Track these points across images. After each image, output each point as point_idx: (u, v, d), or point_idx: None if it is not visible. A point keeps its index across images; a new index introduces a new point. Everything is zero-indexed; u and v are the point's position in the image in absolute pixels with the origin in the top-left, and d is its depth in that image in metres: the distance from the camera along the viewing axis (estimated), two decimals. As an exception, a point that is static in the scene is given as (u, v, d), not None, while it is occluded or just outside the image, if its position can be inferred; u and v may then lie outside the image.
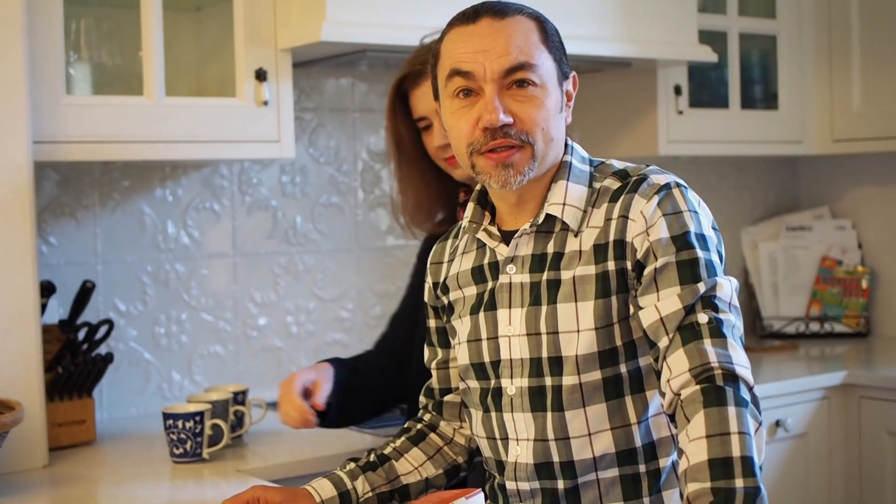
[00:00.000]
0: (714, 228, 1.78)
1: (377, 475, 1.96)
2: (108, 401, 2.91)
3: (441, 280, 2.00)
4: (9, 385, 2.36)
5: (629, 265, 1.75)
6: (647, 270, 1.72)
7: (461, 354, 1.92)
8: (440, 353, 2.03)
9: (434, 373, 2.04)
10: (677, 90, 3.45)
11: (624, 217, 1.76)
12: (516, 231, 1.85)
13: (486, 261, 1.90)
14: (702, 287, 1.68)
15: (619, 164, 1.86)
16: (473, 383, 1.90)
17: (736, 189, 4.10)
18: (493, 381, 1.85)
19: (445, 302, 1.98)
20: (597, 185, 1.82)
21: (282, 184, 3.18)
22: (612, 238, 1.76)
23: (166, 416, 2.39)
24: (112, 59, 2.74)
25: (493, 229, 1.89)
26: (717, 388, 1.60)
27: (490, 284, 1.88)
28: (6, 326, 2.36)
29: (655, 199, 1.75)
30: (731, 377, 1.61)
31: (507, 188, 1.80)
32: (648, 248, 1.73)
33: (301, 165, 3.21)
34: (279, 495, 1.87)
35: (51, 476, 2.36)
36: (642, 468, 1.78)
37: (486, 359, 1.86)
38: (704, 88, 3.66)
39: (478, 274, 1.91)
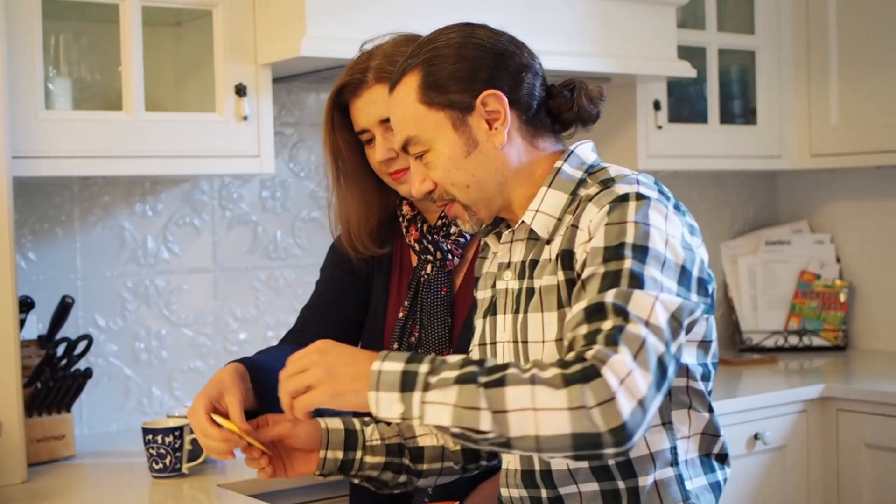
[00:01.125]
0: (684, 247, 1.70)
1: (390, 428, 1.97)
2: (87, 416, 2.90)
3: (479, 275, 2.01)
4: (-13, 400, 2.36)
5: (577, 276, 1.72)
6: (579, 282, 1.68)
7: (473, 357, 1.90)
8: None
9: None
10: (657, 105, 3.46)
11: (574, 226, 1.74)
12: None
13: (495, 264, 1.93)
14: (611, 295, 1.59)
15: (613, 172, 1.79)
16: None
17: (716, 203, 4.12)
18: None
19: (477, 298, 2.00)
20: (582, 191, 1.78)
21: (262, 199, 3.19)
22: (563, 248, 1.74)
23: (146, 432, 2.39)
24: (91, 74, 2.75)
25: (503, 228, 1.91)
26: (570, 365, 1.53)
27: (493, 290, 1.91)
28: (-15, 342, 2.36)
29: (606, 208, 1.69)
30: (592, 373, 1.50)
31: (470, 231, 1.90)
32: (585, 258, 1.69)
33: (281, 180, 3.21)
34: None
35: (29, 492, 2.35)
36: (621, 485, 1.76)
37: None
38: (683, 103, 3.68)
39: (491, 277, 1.93)
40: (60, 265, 2.88)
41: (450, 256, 2.25)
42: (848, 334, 4.03)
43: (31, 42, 2.46)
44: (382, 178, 2.26)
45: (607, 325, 1.56)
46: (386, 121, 2.15)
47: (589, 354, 1.53)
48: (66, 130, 2.51)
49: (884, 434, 3.22)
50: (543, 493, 1.81)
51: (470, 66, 1.78)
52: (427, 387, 1.57)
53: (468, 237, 2.25)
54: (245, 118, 2.71)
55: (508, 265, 1.86)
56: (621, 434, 1.49)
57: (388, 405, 1.59)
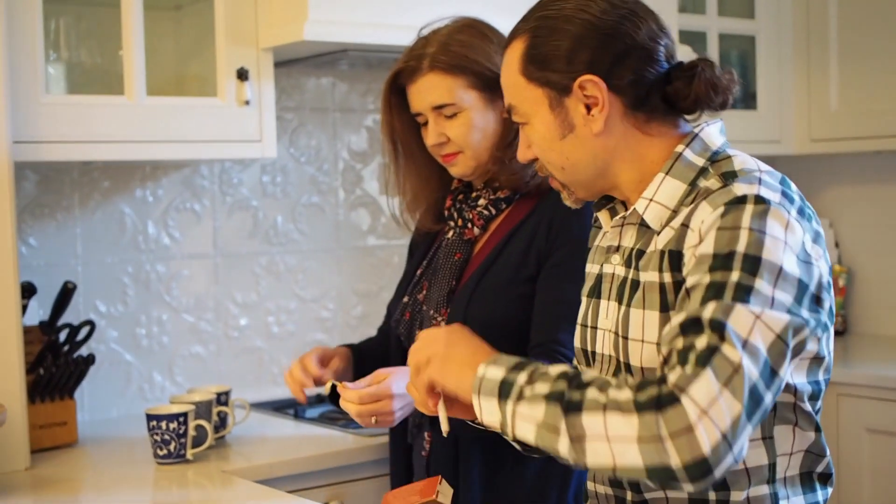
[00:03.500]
0: (802, 259, 1.53)
1: None
2: (88, 402, 2.89)
3: (590, 246, 1.91)
4: (-10, 387, 2.35)
5: (683, 279, 1.60)
6: (683, 290, 1.56)
7: (576, 336, 1.84)
8: None
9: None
10: (657, 90, 3.45)
11: (685, 226, 1.60)
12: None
13: (609, 242, 1.81)
14: (710, 309, 1.46)
15: (737, 164, 1.65)
16: (582, 367, 1.82)
17: (714, 188, 4.11)
18: (597, 374, 1.71)
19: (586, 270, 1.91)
20: (701, 182, 1.64)
21: (262, 184, 3.17)
22: (670, 248, 1.62)
23: (150, 418, 2.38)
24: (91, 58, 2.73)
25: (620, 208, 1.79)
26: (645, 388, 1.43)
27: (602, 269, 1.79)
28: (-13, 328, 2.35)
29: (721, 210, 1.55)
30: (669, 400, 1.40)
31: (578, 205, 1.80)
32: (693, 263, 1.55)
33: (282, 165, 3.20)
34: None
35: (33, 478, 2.34)
36: (712, 496, 1.63)
37: (588, 346, 1.79)
38: (683, 88, 3.67)
39: (601, 252, 1.82)
40: (61, 251, 2.87)
41: (469, 225, 2.30)
42: (847, 319, 4.03)
43: (32, 26, 2.44)
44: (437, 158, 2.31)
45: (701, 342, 1.43)
46: (438, 107, 2.22)
47: (672, 378, 1.42)
48: (67, 115, 2.50)
49: (884, 418, 3.22)
50: (629, 495, 1.72)
51: (572, 45, 1.65)
52: (520, 397, 1.52)
53: (492, 211, 2.28)
54: (247, 102, 2.70)
55: (618, 249, 1.75)
56: (700, 469, 1.38)
57: (488, 412, 1.56)
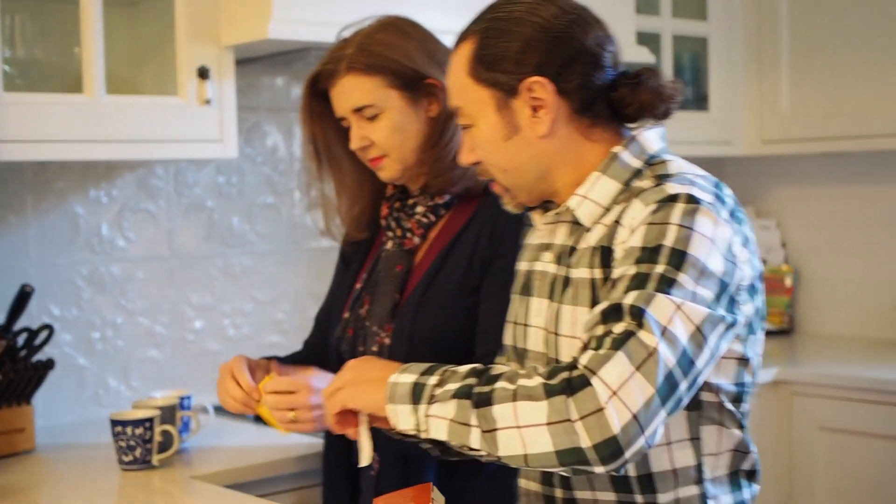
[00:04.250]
0: (727, 258, 1.56)
1: None
2: (42, 408, 2.82)
3: (523, 244, 1.92)
4: (-51, 393, 2.28)
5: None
6: (609, 281, 1.59)
7: (506, 334, 1.86)
8: None
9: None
10: (612, 91, 3.45)
11: (617, 223, 1.63)
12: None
13: (539, 240, 1.83)
14: (631, 297, 1.49)
15: (673, 168, 1.66)
16: (514, 365, 1.80)
17: (663, 189, 4.13)
18: (506, 367, 1.78)
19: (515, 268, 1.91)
20: (635, 182, 1.66)
21: (218, 184, 3.13)
22: (602, 244, 1.65)
23: (115, 423, 2.32)
24: (48, 55, 2.67)
25: (552, 206, 1.79)
26: (556, 374, 1.47)
27: (532, 266, 1.81)
28: (-54, 332, 2.29)
29: (653, 206, 1.58)
30: (579, 383, 1.44)
31: (518, 210, 1.81)
32: (622, 256, 1.59)
33: (237, 166, 3.16)
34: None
35: (-7, 486, 2.29)
36: (639, 498, 1.66)
37: (519, 344, 1.80)
38: (636, 89, 3.68)
39: (532, 251, 1.84)
40: (13, 253, 2.80)
41: (409, 235, 2.23)
42: (793, 319, 4.07)
43: (-11, 22, 2.39)
44: (365, 162, 2.23)
45: (619, 328, 1.47)
46: (359, 109, 2.15)
47: (583, 361, 1.46)
48: (24, 113, 2.43)
49: (837, 417, 3.26)
50: (558, 493, 1.73)
51: (521, 47, 1.67)
52: (432, 399, 1.54)
53: (431, 218, 2.22)
54: (208, 102, 2.65)
55: (549, 247, 1.77)
56: (610, 449, 1.42)
57: (404, 418, 1.57)
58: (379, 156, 2.17)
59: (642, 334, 1.45)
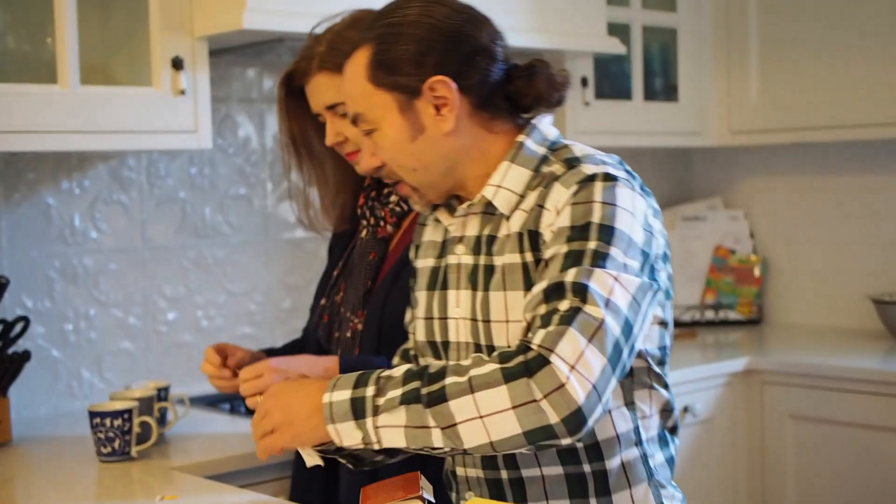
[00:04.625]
0: (645, 229, 1.67)
1: None
2: (15, 401, 2.79)
3: (419, 243, 1.97)
4: (-76, 385, 2.26)
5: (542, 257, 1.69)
6: (543, 261, 1.66)
7: (418, 331, 1.90)
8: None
9: (410, 336, 1.99)
10: (584, 82, 3.47)
11: (540, 206, 1.70)
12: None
13: (445, 236, 1.88)
14: (571, 274, 1.57)
15: (578, 151, 1.75)
16: (430, 361, 1.88)
17: (632, 180, 4.14)
18: (444, 362, 1.82)
19: (415, 266, 1.96)
20: (545, 168, 1.74)
21: (190, 175, 3.11)
22: (529, 228, 1.71)
23: (93, 415, 2.31)
24: (20, 45, 2.64)
25: (455, 203, 1.85)
26: (511, 358, 1.52)
27: (443, 261, 1.85)
28: (-79, 324, 2.26)
29: (574, 189, 1.66)
30: (537, 363, 1.50)
31: (422, 211, 1.87)
32: (551, 237, 1.66)
33: (209, 156, 3.14)
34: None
35: (-29, 479, 2.27)
36: (587, 468, 1.74)
37: (438, 338, 1.84)
38: (606, 80, 3.70)
39: (438, 248, 1.88)
40: (-15, 245, 2.79)
41: (382, 224, 2.27)
42: (762, 308, 4.10)
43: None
44: (343, 156, 2.25)
45: (564, 305, 1.54)
46: (332, 107, 2.17)
47: (535, 342, 1.52)
48: (0, 104, 2.42)
49: (807, 405, 3.29)
50: (504, 474, 1.78)
51: (420, 49, 1.72)
52: (376, 411, 1.57)
53: (405, 207, 2.25)
54: (182, 92, 2.64)
55: (461, 239, 1.81)
56: (576, 420, 1.49)
57: (348, 435, 1.60)
58: (355, 150, 2.19)
59: (588, 308, 1.53)
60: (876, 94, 3.50)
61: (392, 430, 1.57)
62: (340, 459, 1.88)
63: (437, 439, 1.55)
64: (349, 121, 1.82)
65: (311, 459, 1.73)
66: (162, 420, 2.53)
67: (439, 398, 1.54)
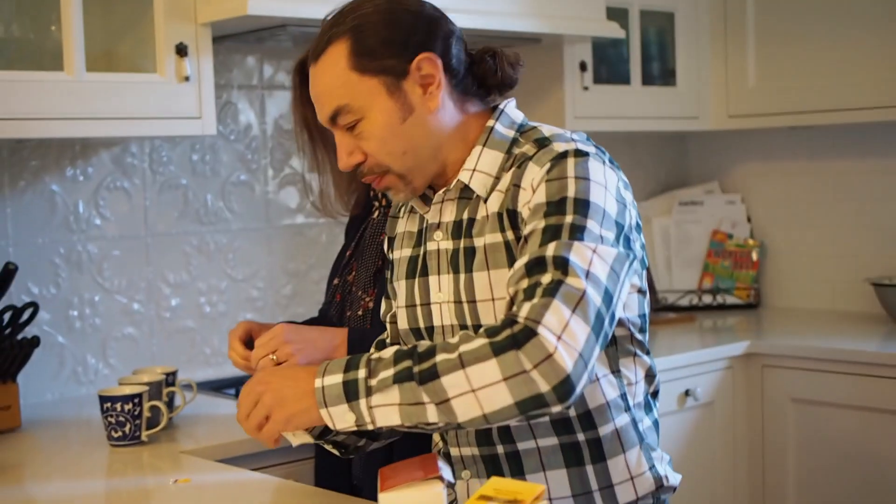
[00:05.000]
0: (618, 200, 1.72)
1: None
2: (21, 387, 2.80)
3: (393, 235, 2.00)
4: (-65, 371, 2.27)
5: (522, 234, 1.74)
6: (523, 237, 1.71)
7: (400, 319, 1.93)
8: (393, 306, 2.01)
9: (388, 326, 2.02)
10: (583, 66, 3.48)
11: (517, 186, 1.75)
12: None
13: (422, 225, 1.91)
14: (552, 248, 1.62)
15: (546, 131, 1.81)
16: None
17: (629, 166, 4.16)
18: (431, 342, 1.83)
19: (391, 258, 2.00)
20: (516, 150, 1.79)
21: (192, 162, 3.12)
22: (507, 207, 1.75)
23: (104, 399, 2.32)
24: (25, 33, 2.65)
25: (429, 192, 1.89)
26: (498, 332, 1.56)
27: (422, 249, 1.88)
28: (-69, 310, 2.27)
29: (547, 166, 1.71)
30: (525, 335, 1.54)
31: (403, 202, 1.90)
32: (529, 214, 1.71)
33: (211, 143, 3.15)
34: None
35: (-17, 465, 2.28)
36: (581, 437, 1.79)
37: (422, 324, 1.88)
38: (603, 65, 3.71)
39: (415, 237, 1.92)
40: (-10, 232, 2.79)
41: None
42: (760, 292, 4.12)
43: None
44: None
45: (546, 278, 1.59)
46: None
47: (522, 315, 1.56)
48: (7, 91, 2.42)
49: (807, 388, 3.31)
50: (500, 449, 1.82)
51: (403, 31, 1.77)
52: (369, 392, 1.61)
53: None
54: (187, 79, 2.65)
55: (439, 226, 1.85)
56: (565, 388, 1.54)
57: (340, 418, 1.63)
58: None
59: (570, 280, 1.58)
60: (873, 78, 3.52)
61: (386, 409, 1.60)
62: (326, 446, 1.93)
63: (432, 415, 1.58)
64: (325, 122, 1.82)
65: (297, 438, 1.77)
66: (170, 405, 2.54)
67: (431, 375, 1.57)
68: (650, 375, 1.88)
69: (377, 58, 1.75)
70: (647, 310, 1.86)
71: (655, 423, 1.90)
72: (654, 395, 1.91)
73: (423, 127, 1.78)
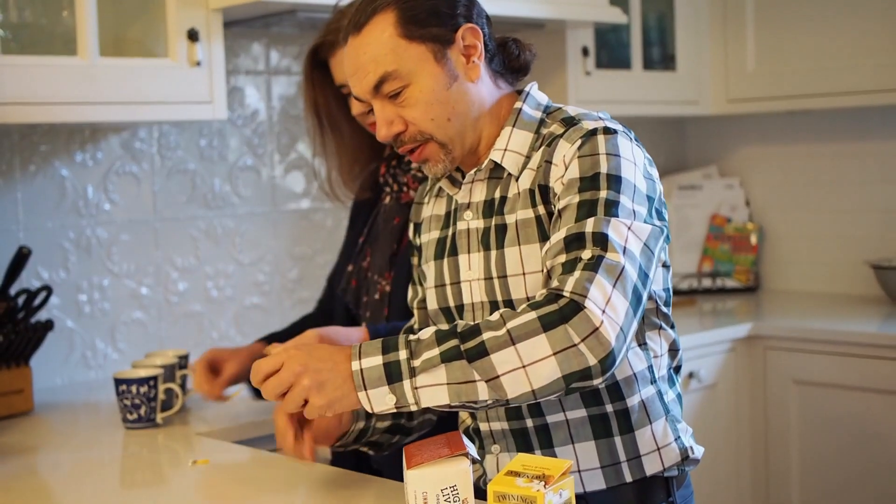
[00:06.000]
0: (646, 177, 1.76)
1: None
2: (32, 371, 2.82)
3: (419, 221, 2.03)
4: (-48, 354, 2.29)
5: (554, 209, 1.77)
6: (556, 212, 1.74)
7: (430, 300, 1.94)
8: (420, 292, 2.03)
9: (416, 312, 2.04)
10: (585, 51, 3.50)
11: (548, 162, 1.79)
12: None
13: (451, 207, 1.93)
14: (590, 224, 1.66)
15: (572, 111, 1.86)
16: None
17: (629, 149, 4.18)
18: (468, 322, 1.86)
19: (418, 243, 2.02)
20: (544, 130, 1.84)
21: (200, 147, 3.13)
22: (539, 183, 1.79)
23: (119, 382, 2.34)
24: (37, 18, 2.65)
25: (457, 175, 1.92)
26: (543, 306, 1.59)
27: (451, 230, 1.91)
28: (-52, 294, 2.28)
29: (578, 143, 1.75)
30: (572, 309, 1.57)
31: (439, 175, 1.89)
32: (562, 189, 1.74)
33: (218, 128, 3.16)
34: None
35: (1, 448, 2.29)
36: (609, 408, 1.81)
37: (451, 303, 1.90)
38: (604, 50, 3.73)
39: (443, 219, 1.94)
40: (3, 217, 2.80)
41: (405, 189, 2.35)
42: (759, 276, 4.16)
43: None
44: (365, 127, 2.33)
45: (587, 253, 1.63)
46: None
47: (567, 289, 1.59)
48: (22, 76, 2.43)
49: (810, 370, 3.34)
50: (529, 423, 1.84)
51: (447, 3, 1.82)
52: (413, 373, 1.60)
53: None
54: (198, 63, 2.67)
55: (468, 206, 1.87)
56: (608, 360, 1.57)
57: (379, 400, 1.62)
58: None
59: (610, 255, 1.62)
60: (871, 61, 3.54)
61: (433, 389, 1.60)
62: (362, 448, 1.95)
63: (483, 392, 1.59)
64: (367, 91, 1.83)
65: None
66: (182, 388, 2.56)
67: (480, 353, 1.58)
68: (674, 350, 1.91)
69: (424, 25, 1.80)
70: (670, 284, 1.90)
71: (679, 397, 1.93)
72: (677, 370, 1.93)
73: (466, 94, 1.83)
